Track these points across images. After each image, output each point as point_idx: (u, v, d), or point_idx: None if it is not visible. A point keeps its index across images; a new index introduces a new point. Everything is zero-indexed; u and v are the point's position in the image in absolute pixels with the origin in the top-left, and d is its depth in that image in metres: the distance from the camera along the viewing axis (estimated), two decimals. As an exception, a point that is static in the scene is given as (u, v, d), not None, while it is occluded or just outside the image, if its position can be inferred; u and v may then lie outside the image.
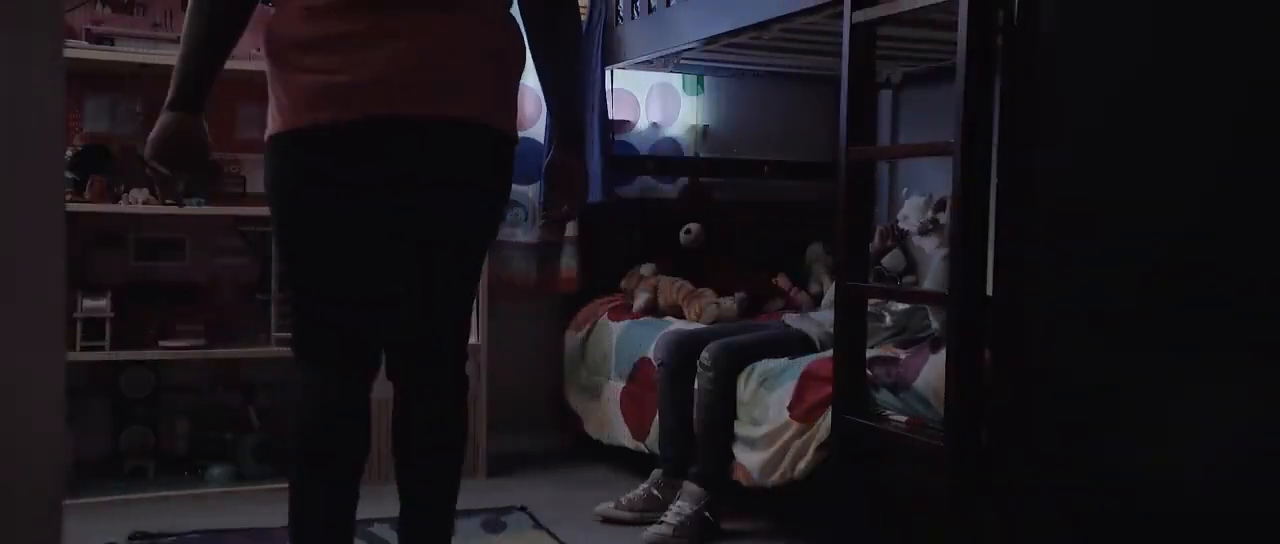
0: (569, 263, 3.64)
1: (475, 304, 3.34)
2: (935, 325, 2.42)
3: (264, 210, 3.17)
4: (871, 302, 2.54)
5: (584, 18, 3.56)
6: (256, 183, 3.28)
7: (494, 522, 2.80)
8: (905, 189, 3.41)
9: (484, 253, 1.98)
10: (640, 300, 3.35)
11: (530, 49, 1.93)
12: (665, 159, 3.86)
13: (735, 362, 2.70)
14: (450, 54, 1.75)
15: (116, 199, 2.95)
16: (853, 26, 2.15)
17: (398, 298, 1.87)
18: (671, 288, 3.31)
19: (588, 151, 3.53)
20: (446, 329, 1.93)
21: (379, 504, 2.55)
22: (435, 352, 1.92)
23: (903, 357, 2.35)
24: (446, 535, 1.99)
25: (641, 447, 3.04)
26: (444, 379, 1.93)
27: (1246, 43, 1.88)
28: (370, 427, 1.90)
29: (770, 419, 2.55)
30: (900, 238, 2.64)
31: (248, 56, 3.09)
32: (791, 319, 3.00)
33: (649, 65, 3.61)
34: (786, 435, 2.48)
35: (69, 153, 2.97)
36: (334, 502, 1.87)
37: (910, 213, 2.67)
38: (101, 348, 2.92)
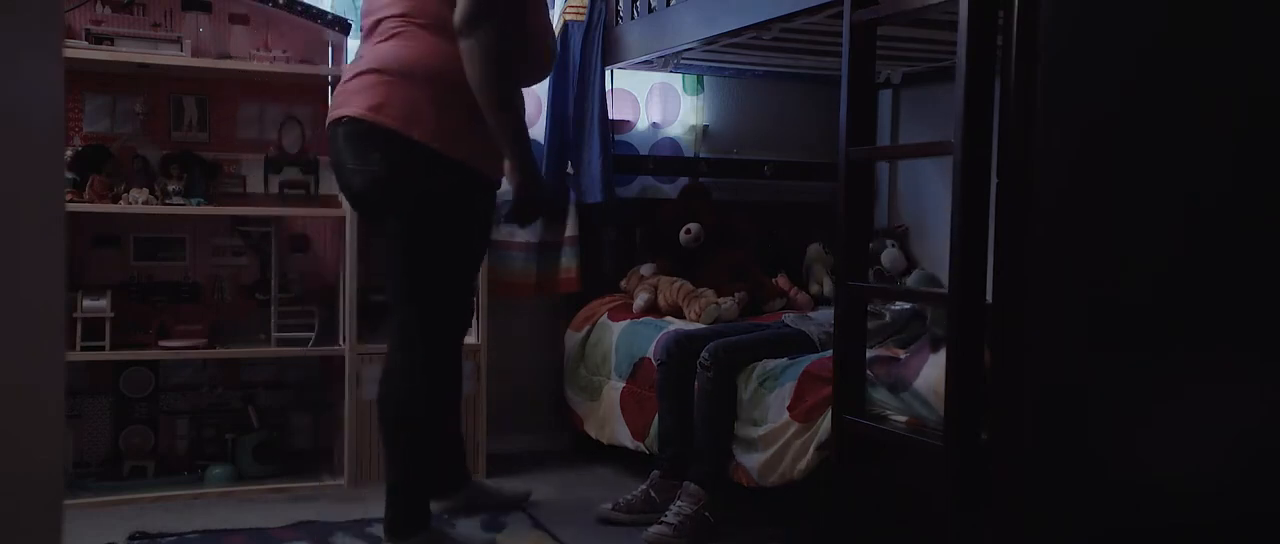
0: (569, 263, 3.64)
1: (475, 303, 3.34)
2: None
3: (264, 210, 3.20)
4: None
5: (583, 19, 3.56)
6: (256, 183, 3.28)
7: (494, 521, 2.80)
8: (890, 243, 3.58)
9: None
10: (640, 300, 3.35)
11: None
12: (665, 159, 3.86)
13: (735, 361, 2.70)
14: None
15: (116, 199, 2.95)
16: (853, 26, 2.15)
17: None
18: (671, 288, 3.31)
19: (588, 154, 3.54)
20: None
21: (378, 505, 2.55)
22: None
23: (903, 356, 2.35)
24: (395, 461, 2.50)
25: (641, 447, 3.04)
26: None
27: (1247, 43, 1.88)
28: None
29: (770, 419, 2.55)
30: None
31: (247, 56, 3.09)
32: (791, 319, 3.00)
33: (649, 65, 3.61)
34: (786, 435, 2.48)
35: (69, 153, 2.96)
36: None
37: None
38: (101, 348, 2.92)
